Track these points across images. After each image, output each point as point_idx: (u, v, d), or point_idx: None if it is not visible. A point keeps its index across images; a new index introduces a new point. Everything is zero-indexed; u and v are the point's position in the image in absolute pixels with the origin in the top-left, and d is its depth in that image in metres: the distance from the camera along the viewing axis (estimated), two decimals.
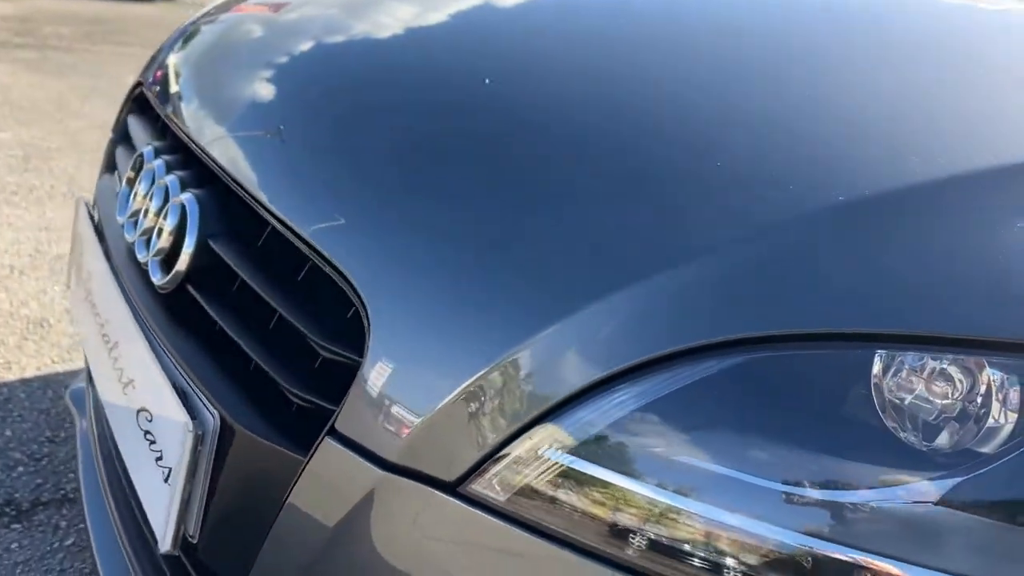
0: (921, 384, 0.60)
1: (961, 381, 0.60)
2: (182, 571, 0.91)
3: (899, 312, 0.62)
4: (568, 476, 0.65)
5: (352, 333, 0.77)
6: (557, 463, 0.65)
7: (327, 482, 0.74)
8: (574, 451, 0.64)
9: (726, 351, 0.62)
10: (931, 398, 0.60)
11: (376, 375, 0.72)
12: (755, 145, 0.78)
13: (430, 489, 0.68)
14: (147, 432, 0.93)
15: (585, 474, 0.64)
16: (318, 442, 0.75)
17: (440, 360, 0.70)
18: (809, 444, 0.60)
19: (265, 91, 1.05)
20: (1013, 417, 0.59)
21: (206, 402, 0.86)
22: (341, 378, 0.76)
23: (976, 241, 0.67)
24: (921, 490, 0.58)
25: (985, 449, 0.59)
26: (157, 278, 1.00)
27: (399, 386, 0.71)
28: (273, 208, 0.88)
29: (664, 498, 0.62)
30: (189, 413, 0.85)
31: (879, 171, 0.73)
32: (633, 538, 0.63)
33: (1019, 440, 0.59)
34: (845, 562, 0.59)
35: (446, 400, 0.68)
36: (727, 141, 0.79)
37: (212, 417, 0.84)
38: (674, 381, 0.62)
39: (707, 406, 0.62)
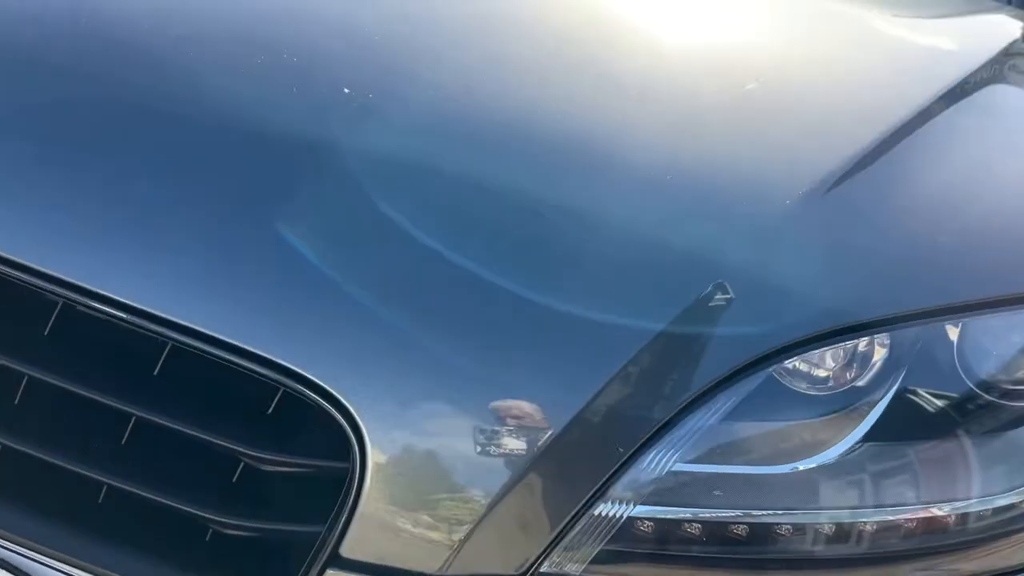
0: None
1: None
2: None
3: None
4: (642, 527, 0.63)
5: (299, 433, 0.62)
6: (628, 518, 0.63)
7: None
8: (643, 502, 0.63)
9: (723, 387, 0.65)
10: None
11: (385, 482, 0.60)
12: None
13: None
14: None
15: (656, 520, 0.63)
16: None
17: (475, 448, 0.61)
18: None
19: None
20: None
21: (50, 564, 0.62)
22: (304, 491, 0.62)
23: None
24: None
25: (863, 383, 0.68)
26: None
27: (427, 491, 0.60)
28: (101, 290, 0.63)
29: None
30: None
31: None
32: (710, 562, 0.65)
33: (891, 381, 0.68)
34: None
35: (500, 493, 0.60)
36: None
37: None
38: (708, 416, 0.64)
39: (730, 427, 0.65)
